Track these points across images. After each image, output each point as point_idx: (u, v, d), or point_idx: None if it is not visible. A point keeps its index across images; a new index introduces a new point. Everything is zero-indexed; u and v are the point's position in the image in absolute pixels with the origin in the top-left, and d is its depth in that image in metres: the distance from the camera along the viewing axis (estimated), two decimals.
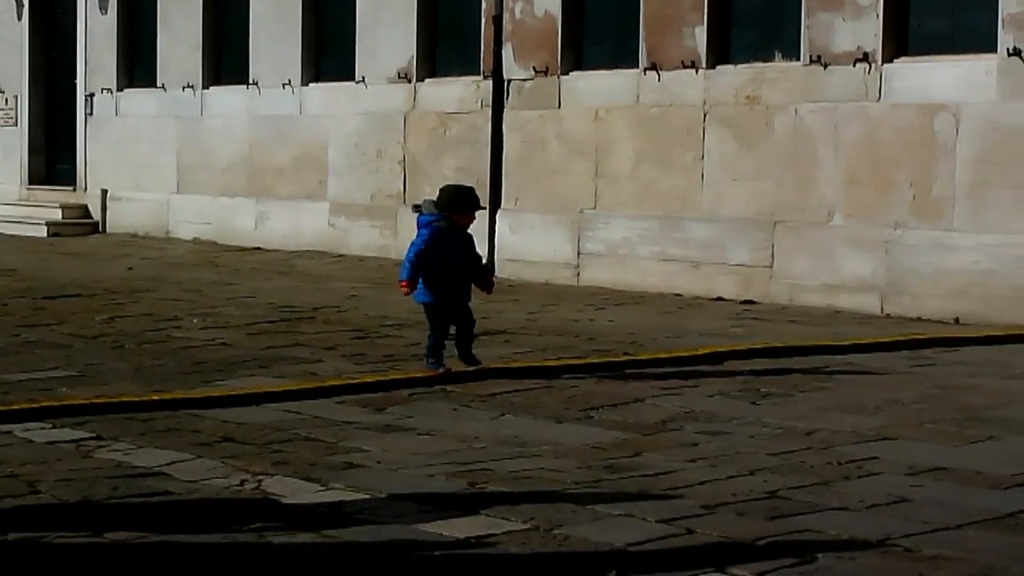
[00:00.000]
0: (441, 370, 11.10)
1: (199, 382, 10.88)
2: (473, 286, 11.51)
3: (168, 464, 8.18)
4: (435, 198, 11.41)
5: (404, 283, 11.24)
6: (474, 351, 11.44)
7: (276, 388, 10.51)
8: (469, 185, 12.12)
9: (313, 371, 11.45)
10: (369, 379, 10.88)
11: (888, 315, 15.25)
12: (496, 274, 18.92)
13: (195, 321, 14.28)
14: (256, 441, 8.83)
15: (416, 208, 11.58)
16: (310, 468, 8.06)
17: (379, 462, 8.26)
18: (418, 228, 11.37)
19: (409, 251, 11.25)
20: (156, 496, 7.46)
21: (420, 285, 11.25)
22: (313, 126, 22.51)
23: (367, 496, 7.43)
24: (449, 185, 11.94)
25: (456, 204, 11.31)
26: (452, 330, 11.38)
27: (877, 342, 13.00)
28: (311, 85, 22.68)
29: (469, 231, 11.43)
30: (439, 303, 11.26)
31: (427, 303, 11.32)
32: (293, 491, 7.56)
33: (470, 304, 11.44)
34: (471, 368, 11.26)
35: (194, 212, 24.36)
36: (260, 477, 7.86)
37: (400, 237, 20.79)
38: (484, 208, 11.77)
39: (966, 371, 11.66)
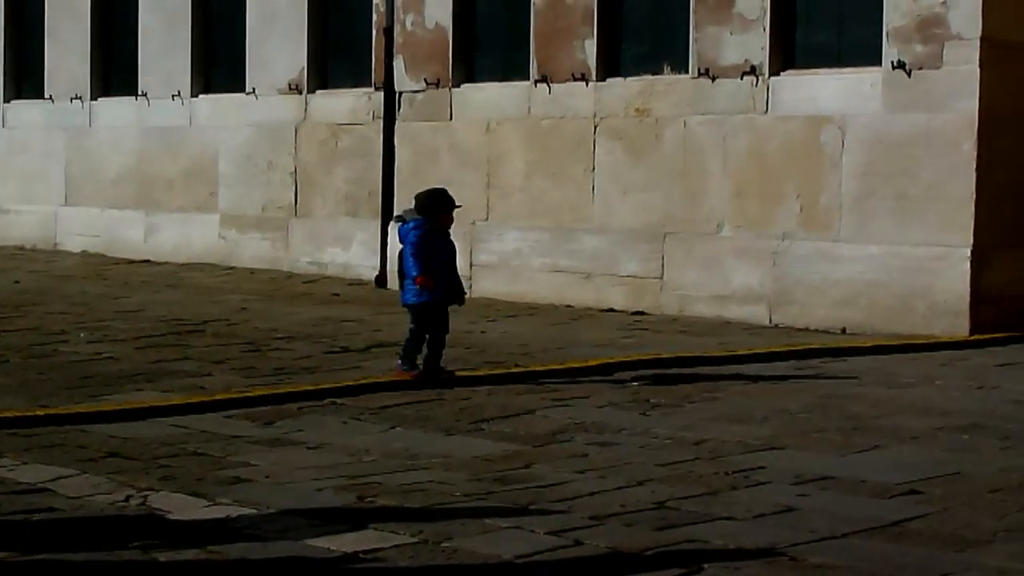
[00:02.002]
0: (416, 372, 11.30)
1: (86, 397, 10.76)
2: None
3: (52, 480, 8.08)
4: (414, 208, 11.63)
5: (422, 278, 11.28)
6: (369, 363, 11.43)
7: (164, 403, 10.42)
8: (442, 187, 12.25)
9: (202, 385, 11.36)
10: (258, 393, 10.81)
11: (776, 325, 15.40)
12: (388, 286, 19.08)
13: (82, 335, 14.12)
14: (143, 456, 8.74)
15: (399, 219, 11.84)
16: (197, 483, 8.00)
17: (267, 476, 8.21)
18: (401, 239, 11.59)
19: (406, 251, 11.39)
20: (39, 513, 7.36)
21: (412, 286, 11.36)
22: (203, 138, 22.34)
23: (254, 511, 7.39)
24: (424, 190, 12.12)
25: (437, 205, 11.59)
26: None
27: (765, 352, 13.13)
28: (201, 96, 22.52)
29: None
30: (429, 304, 11.37)
31: (420, 303, 11.38)
32: (180, 507, 7.49)
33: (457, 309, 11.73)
34: (437, 376, 11.39)
35: (83, 224, 24.07)
36: (146, 493, 7.78)
37: (292, 249, 20.73)
38: (460, 207, 11.92)
39: (852, 380, 11.80)
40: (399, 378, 11.34)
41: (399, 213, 12.01)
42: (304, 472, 8.30)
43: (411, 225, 11.49)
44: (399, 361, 11.51)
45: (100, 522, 7.24)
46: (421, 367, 11.39)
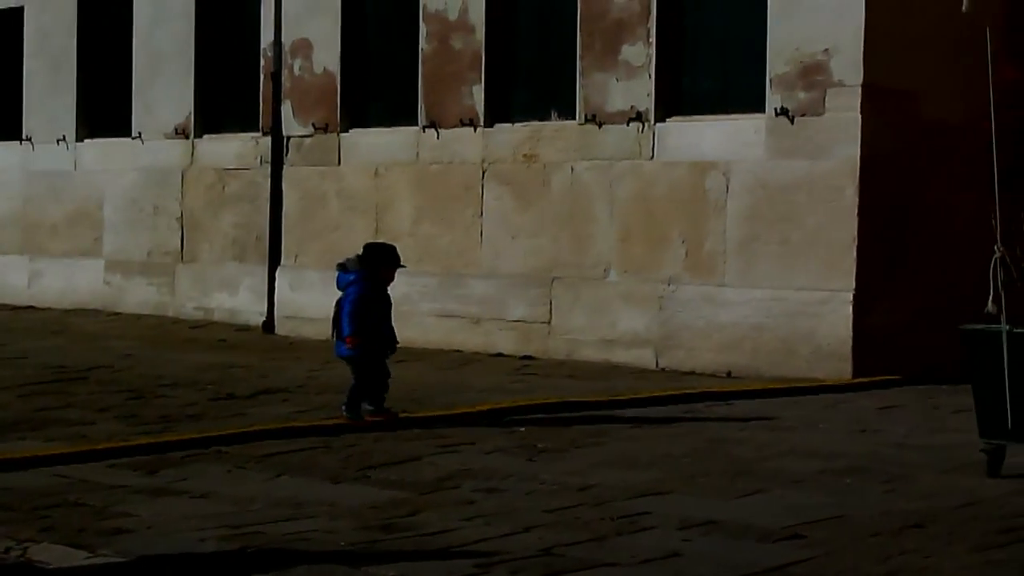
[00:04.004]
0: (358, 421, 11.52)
1: None
2: None
3: None
4: (356, 257, 11.88)
5: (351, 339, 11.59)
6: (255, 410, 11.37)
7: (46, 452, 10.27)
8: (392, 244, 12.50)
9: (85, 434, 11.21)
10: (142, 441, 10.70)
11: (663, 369, 15.50)
12: (275, 332, 19.00)
13: None
14: (23, 507, 8.61)
15: (341, 266, 11.97)
16: (78, 534, 7.89)
17: (150, 527, 8.11)
18: (339, 286, 11.83)
19: (344, 306, 11.63)
20: None
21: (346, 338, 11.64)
22: (88, 182, 22.15)
23: (136, 562, 7.29)
24: (374, 243, 12.66)
25: (383, 261, 11.87)
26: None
27: (651, 396, 13.20)
28: (86, 141, 22.34)
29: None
30: (365, 354, 11.61)
31: (355, 356, 11.63)
32: (59, 558, 7.38)
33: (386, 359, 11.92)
34: (383, 418, 11.61)
35: None
36: (26, 544, 7.66)
37: (178, 294, 20.56)
38: (404, 267, 12.18)
39: (737, 424, 11.89)
40: (347, 423, 11.55)
41: (342, 261, 12.12)
42: (187, 522, 8.21)
43: (351, 278, 11.76)
44: (343, 408, 11.67)
45: None
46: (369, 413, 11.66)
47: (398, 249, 12.26)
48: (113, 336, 18.55)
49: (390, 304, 11.97)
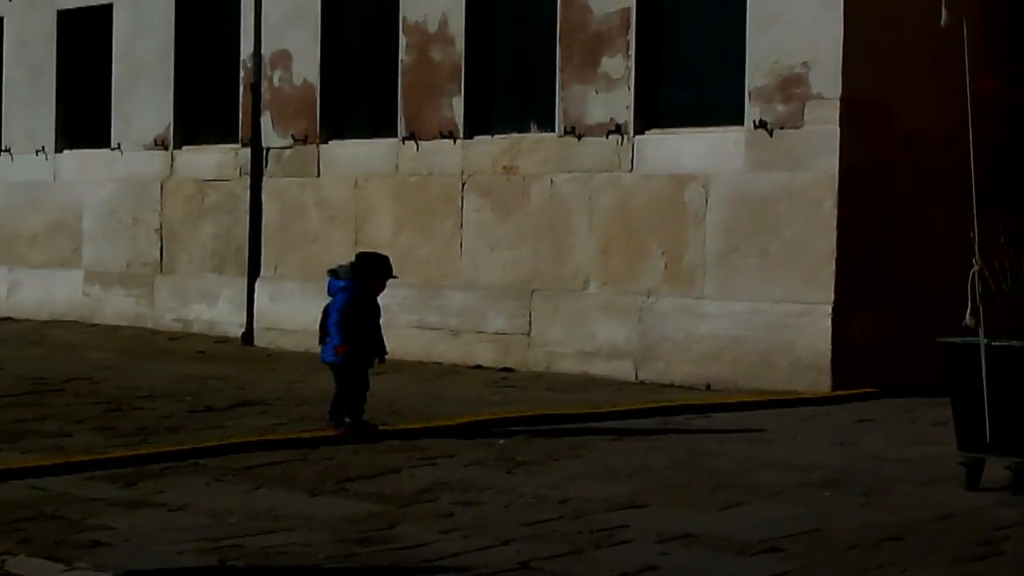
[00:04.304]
0: (342, 429, 11.48)
1: None
2: None
3: None
4: (349, 265, 11.93)
5: (342, 347, 11.61)
6: (233, 422, 11.34)
7: (22, 464, 10.24)
8: (385, 255, 12.45)
9: (62, 445, 11.18)
10: (119, 454, 10.66)
11: (642, 381, 15.50)
12: (255, 343, 18.97)
13: None
14: (0, 520, 8.57)
15: (332, 272, 11.99)
16: (55, 547, 7.86)
17: (127, 540, 8.09)
18: (329, 292, 11.86)
19: (332, 315, 11.66)
20: None
21: (332, 347, 11.65)
22: (67, 193, 22.11)
23: (112, 575, 7.27)
24: (366, 252, 12.57)
25: (373, 272, 11.86)
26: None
27: (630, 409, 13.20)
28: (65, 152, 22.30)
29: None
30: (351, 363, 11.64)
31: (340, 363, 11.65)
32: (37, 571, 7.37)
33: (376, 368, 11.96)
34: (361, 431, 11.59)
35: None
36: (3, 557, 7.64)
37: (157, 305, 20.52)
38: (396, 278, 12.17)
39: (715, 437, 11.90)
40: (326, 434, 11.54)
41: (333, 267, 12.12)
42: (165, 535, 8.19)
43: (341, 284, 11.77)
44: (328, 417, 11.71)
45: None
46: (348, 424, 11.62)
47: (391, 260, 12.25)
48: (91, 347, 18.50)
49: (379, 313, 11.96)
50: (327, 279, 12.03)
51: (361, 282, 11.80)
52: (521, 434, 11.85)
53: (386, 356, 12.07)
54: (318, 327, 11.94)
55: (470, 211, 17.22)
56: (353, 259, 12.11)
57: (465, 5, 17.30)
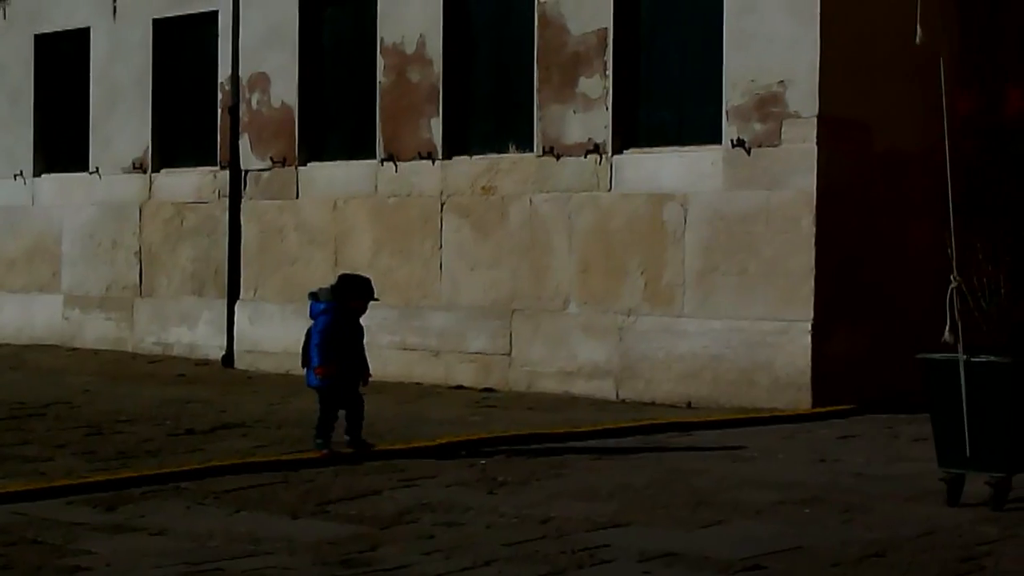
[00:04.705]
0: (326, 452, 11.50)
1: None
2: None
3: None
4: (329, 287, 11.96)
5: (321, 368, 11.65)
6: (214, 445, 11.33)
7: (2, 489, 10.16)
8: (367, 276, 12.48)
9: (42, 470, 11.13)
10: (100, 478, 10.63)
11: (623, 400, 15.51)
12: (235, 366, 18.95)
13: None
14: None
15: (313, 296, 12.04)
16: (36, 572, 7.83)
17: (108, 564, 8.05)
18: (311, 315, 11.90)
19: (313, 337, 11.70)
20: None
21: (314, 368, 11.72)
22: (46, 217, 22.08)
23: None
24: (347, 274, 12.66)
25: (354, 292, 11.91)
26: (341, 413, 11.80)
27: (611, 428, 13.21)
28: (44, 176, 22.28)
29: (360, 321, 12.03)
30: (334, 385, 11.67)
31: (323, 386, 11.69)
32: None
33: (360, 389, 11.92)
34: (357, 451, 11.64)
35: None
36: None
37: (136, 329, 20.49)
38: (377, 300, 12.23)
39: (696, 454, 11.91)
40: (314, 456, 11.58)
41: (313, 290, 12.20)
42: (146, 559, 8.16)
43: (321, 307, 11.82)
44: (316, 440, 11.75)
45: None
46: (331, 447, 11.65)
47: (372, 282, 12.27)
48: (71, 371, 18.46)
49: (362, 334, 12.00)
50: (308, 301, 12.06)
51: (343, 304, 11.81)
52: (502, 454, 11.86)
53: (370, 377, 12.08)
54: (301, 351, 11.94)
55: (449, 232, 17.24)
56: (334, 281, 12.13)
57: (443, 26, 17.34)
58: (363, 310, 12.02)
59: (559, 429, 13.16)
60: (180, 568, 7.91)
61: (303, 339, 11.94)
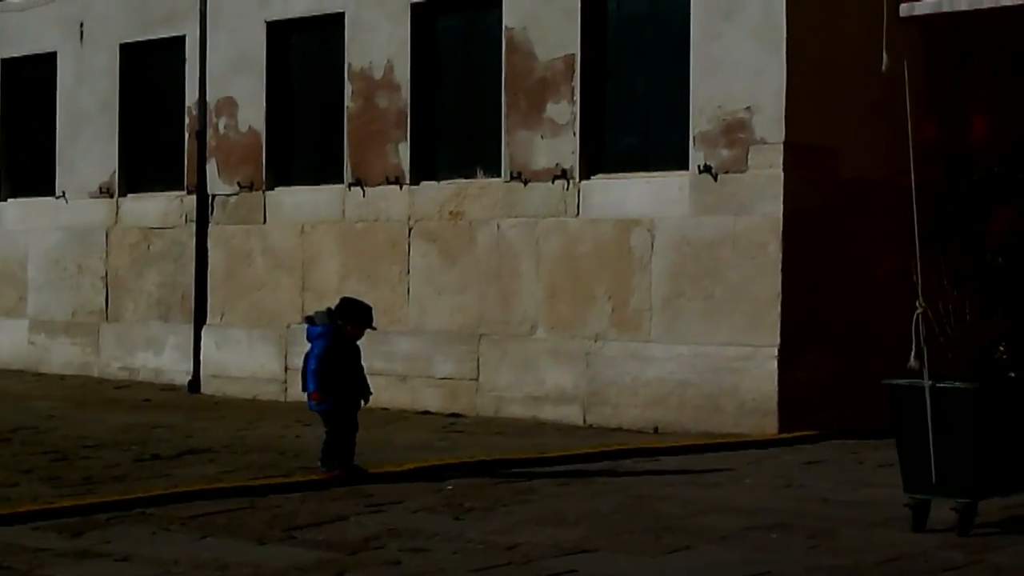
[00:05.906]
0: (332, 473, 11.64)
1: None
2: None
3: None
4: (325, 311, 12.01)
5: (318, 394, 11.74)
6: (180, 470, 11.30)
7: None
8: (368, 304, 12.48)
9: (8, 496, 11.07)
10: (65, 504, 10.58)
11: (591, 425, 15.52)
12: (201, 391, 18.89)
13: None
14: None
15: (308, 320, 12.12)
16: None
17: None
18: (308, 339, 11.96)
19: (310, 363, 11.78)
20: None
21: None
22: (11, 242, 22.00)
23: None
24: (348, 298, 12.64)
25: (354, 317, 11.97)
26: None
27: (578, 453, 13.22)
28: (9, 200, 22.22)
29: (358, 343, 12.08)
30: (337, 407, 11.77)
31: (325, 410, 11.78)
32: None
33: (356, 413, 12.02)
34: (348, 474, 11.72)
35: None
36: None
37: (103, 354, 20.42)
38: (375, 328, 12.29)
39: (663, 480, 11.92)
40: (321, 477, 11.67)
41: (309, 314, 12.30)
42: None
43: (318, 331, 11.89)
44: (319, 463, 11.83)
45: None
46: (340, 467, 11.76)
47: (373, 311, 12.32)
48: (36, 396, 18.38)
49: (359, 353, 12.06)
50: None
51: (340, 327, 11.85)
52: (469, 480, 11.84)
53: (370, 395, 12.15)
54: (300, 376, 12.04)
55: (417, 257, 17.24)
56: (332, 305, 12.17)
57: (410, 52, 17.36)
58: (359, 336, 12.09)
59: (526, 454, 13.16)
60: None
61: (303, 363, 12.01)
